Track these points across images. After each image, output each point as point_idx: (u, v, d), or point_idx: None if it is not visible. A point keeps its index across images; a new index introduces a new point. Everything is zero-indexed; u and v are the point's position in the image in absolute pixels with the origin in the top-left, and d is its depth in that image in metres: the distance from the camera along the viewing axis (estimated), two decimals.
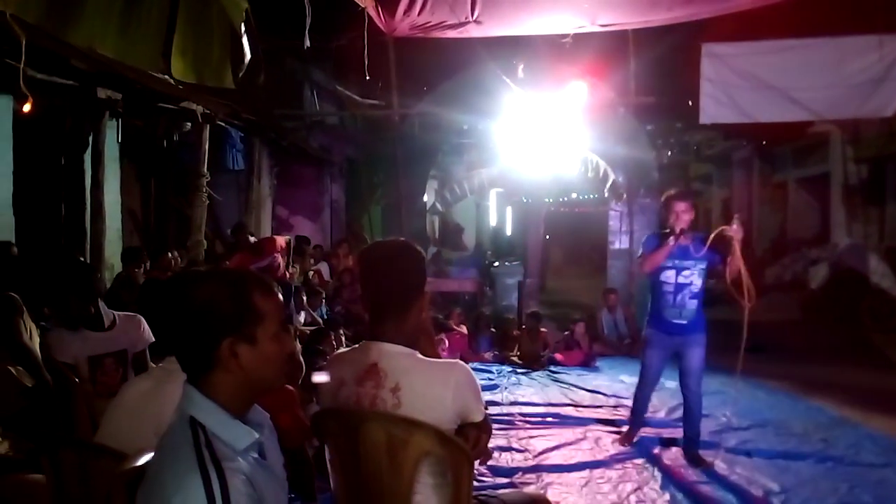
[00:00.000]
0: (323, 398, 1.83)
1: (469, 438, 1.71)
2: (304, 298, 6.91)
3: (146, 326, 3.10)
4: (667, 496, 3.77)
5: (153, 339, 3.04)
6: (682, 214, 4.22)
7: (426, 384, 1.71)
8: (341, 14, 6.53)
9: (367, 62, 6.09)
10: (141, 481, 1.27)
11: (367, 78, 6.28)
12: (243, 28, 2.59)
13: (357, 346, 1.87)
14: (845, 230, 13.48)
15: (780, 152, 17.45)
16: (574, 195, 18.42)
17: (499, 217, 22.07)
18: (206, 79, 2.67)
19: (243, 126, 8.40)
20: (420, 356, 1.78)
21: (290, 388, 3.02)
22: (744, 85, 7.33)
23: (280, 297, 1.37)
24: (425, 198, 11.25)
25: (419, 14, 5.33)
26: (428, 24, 5.48)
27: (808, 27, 7.41)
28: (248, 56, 2.70)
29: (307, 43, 5.15)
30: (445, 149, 11.02)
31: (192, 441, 1.23)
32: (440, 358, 1.84)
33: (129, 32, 2.44)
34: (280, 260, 7.10)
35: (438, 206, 9.36)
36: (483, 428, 1.77)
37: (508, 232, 20.97)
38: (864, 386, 6.71)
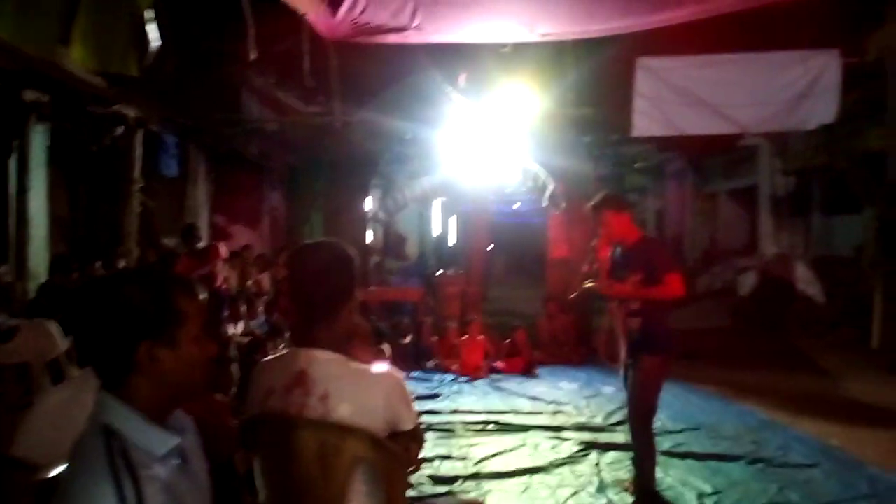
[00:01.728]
0: (250, 407, 1.76)
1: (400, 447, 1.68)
2: (243, 308, 6.76)
3: (57, 333, 2.95)
4: (603, 500, 3.82)
5: (67, 346, 2.89)
6: (600, 228, 3.97)
7: (356, 391, 1.67)
8: (281, 20, 6.45)
9: (307, 68, 6.01)
10: (53, 493, 1.20)
11: (308, 85, 6.20)
12: (151, 14, 2.49)
13: (285, 353, 1.81)
14: (773, 240, 14.05)
15: (712, 164, 18.10)
16: (517, 205, 18.67)
17: (442, 227, 22.15)
18: (109, 65, 2.55)
19: (178, 131, 8.17)
20: (351, 363, 1.73)
21: (220, 397, 2.93)
22: (675, 99, 7.57)
23: (204, 299, 1.32)
24: (367, 206, 11.18)
25: (358, 19, 5.30)
26: (368, 28, 5.45)
27: (739, 43, 7.71)
28: (155, 43, 2.59)
29: (253, 55, 5.07)
30: (388, 157, 10.98)
31: (105, 449, 1.17)
32: (374, 363, 1.79)
33: (28, 12, 2.30)
34: (220, 269, 6.94)
35: (381, 214, 9.30)
36: (414, 437, 1.74)
37: (452, 241, 21.07)
38: (791, 390, 6.99)
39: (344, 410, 1.63)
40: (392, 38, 5.69)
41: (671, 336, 3.76)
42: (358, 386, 1.67)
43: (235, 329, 6.37)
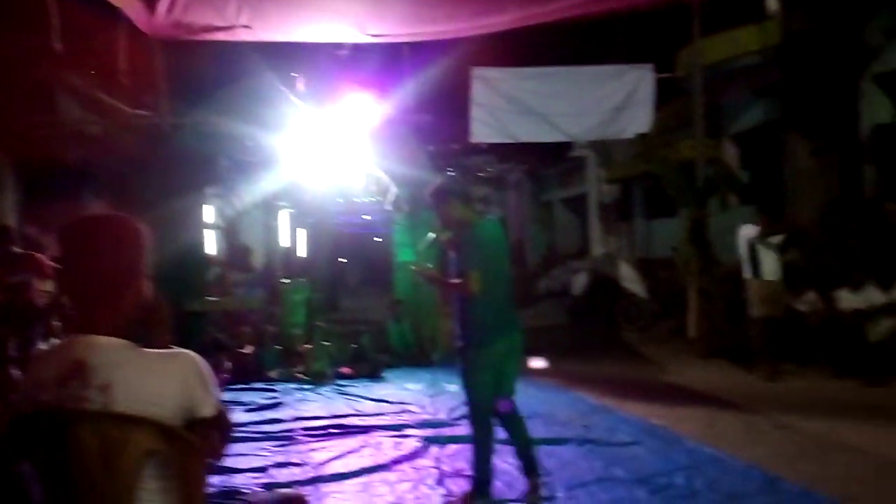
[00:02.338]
0: (20, 405, 1.55)
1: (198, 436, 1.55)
2: (56, 324, 6.13)
3: None
4: (442, 490, 3.86)
5: None
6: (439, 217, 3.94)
7: (143, 378, 1.51)
8: (97, 13, 5.99)
9: (124, 65, 5.62)
10: None
11: (125, 83, 5.79)
12: None
13: (62, 342, 1.62)
14: (601, 243, 15.13)
15: (547, 175, 19.25)
16: (367, 217, 18.62)
17: (291, 239, 21.55)
18: None
19: None
20: (136, 348, 1.57)
21: None
22: (508, 108, 7.96)
23: None
24: (206, 216, 10.61)
25: (181, 15, 5.04)
26: (193, 26, 5.20)
27: (565, 56, 8.28)
28: None
29: (58, 46, 4.64)
30: (227, 164, 10.51)
31: None
32: (173, 349, 1.64)
33: None
34: (36, 282, 6.26)
35: (219, 221, 8.86)
36: (214, 424, 1.60)
37: (302, 254, 20.56)
38: (619, 377, 7.52)
39: (128, 400, 1.49)
40: (220, 36, 5.48)
41: (483, 329, 3.67)
42: (145, 372, 1.52)
43: (47, 345, 5.76)
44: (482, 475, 3.75)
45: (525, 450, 3.84)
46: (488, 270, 3.68)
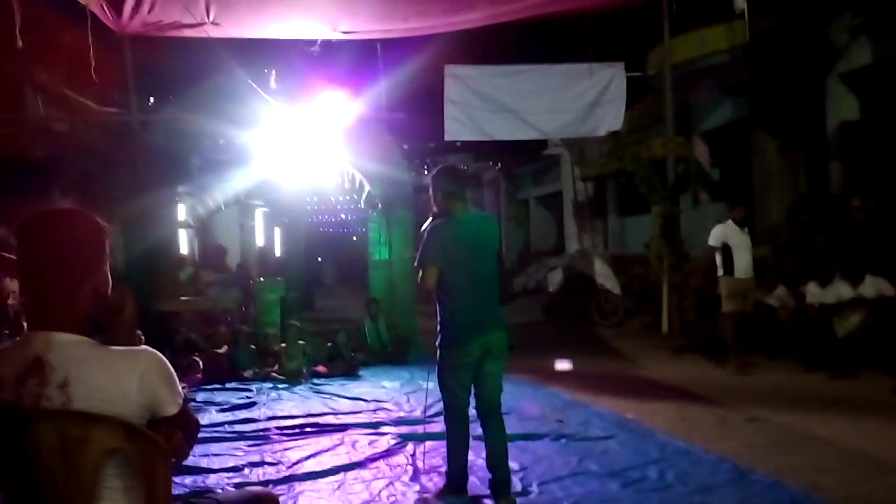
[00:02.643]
0: None
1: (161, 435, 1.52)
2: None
3: None
4: (417, 486, 3.86)
5: None
6: None
7: (104, 376, 1.49)
8: (64, 10, 5.87)
9: (93, 63, 5.54)
10: None
11: (97, 79, 5.70)
12: None
13: (20, 338, 1.58)
14: (576, 241, 15.24)
15: (522, 173, 19.34)
16: (343, 216, 18.52)
17: (266, 238, 21.39)
18: None
19: None
20: (97, 344, 1.55)
21: None
22: (483, 106, 7.97)
23: None
24: (178, 215, 10.48)
25: (149, 12, 4.97)
26: (161, 23, 5.13)
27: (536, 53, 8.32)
28: None
29: (19, 43, 4.56)
30: (199, 164, 10.39)
31: None
32: (137, 346, 1.61)
33: None
34: (7, 282, 6.13)
35: (191, 221, 8.76)
36: (178, 422, 1.59)
37: (277, 253, 20.41)
38: (593, 372, 7.57)
39: (88, 398, 1.46)
40: (188, 33, 5.41)
41: (455, 328, 3.61)
42: (105, 369, 1.49)
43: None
44: (455, 471, 3.74)
45: (497, 458, 3.66)
46: (461, 268, 3.60)
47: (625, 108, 8.68)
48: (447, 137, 8.30)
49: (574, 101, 8.33)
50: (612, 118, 8.57)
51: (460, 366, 3.62)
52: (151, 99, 8.70)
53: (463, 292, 3.61)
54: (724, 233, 7.40)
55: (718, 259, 7.47)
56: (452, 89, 8.06)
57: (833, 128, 10.46)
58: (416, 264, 3.70)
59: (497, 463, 3.67)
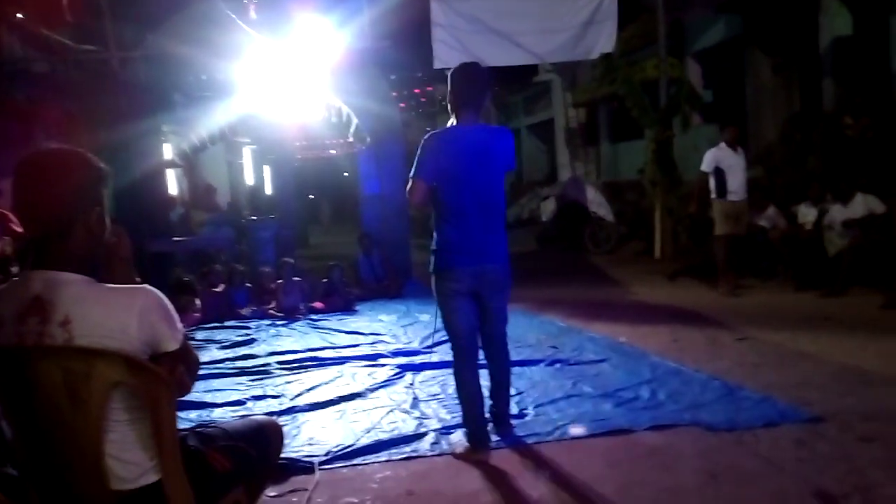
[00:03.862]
0: None
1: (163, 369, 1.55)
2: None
3: None
4: (416, 413, 3.96)
5: None
6: None
7: (103, 313, 1.51)
8: None
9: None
10: None
11: (70, 19, 5.49)
12: None
13: (16, 279, 1.59)
14: (569, 169, 15.14)
15: (513, 101, 19.00)
16: (332, 152, 18.22)
17: (256, 176, 21.20)
18: None
19: None
20: (96, 283, 1.56)
21: None
22: (471, 29, 7.74)
23: None
24: (164, 154, 10.34)
25: None
26: None
27: None
28: None
29: None
30: (181, 99, 10.18)
31: None
32: (134, 285, 1.62)
33: None
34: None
35: (177, 159, 8.65)
36: (179, 357, 1.62)
37: (268, 191, 20.28)
38: (587, 299, 7.68)
39: (90, 334, 1.48)
40: None
41: (444, 251, 3.27)
42: (105, 307, 1.51)
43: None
44: (470, 425, 3.36)
45: (498, 388, 3.50)
46: (457, 186, 3.18)
47: (617, 26, 8.44)
48: (436, 65, 8.08)
49: (566, 21, 8.09)
50: (605, 39, 8.34)
51: (450, 293, 3.27)
52: (129, 32, 8.41)
53: (457, 214, 3.20)
54: (716, 156, 7.36)
55: (712, 182, 7.46)
56: (438, 12, 7.82)
57: (826, 44, 10.27)
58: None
59: (497, 394, 3.53)
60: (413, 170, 3.22)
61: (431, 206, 3.31)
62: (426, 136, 3.25)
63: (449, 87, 3.28)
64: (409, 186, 3.25)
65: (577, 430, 3.55)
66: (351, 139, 8.30)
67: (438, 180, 3.21)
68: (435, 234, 3.32)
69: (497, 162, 3.26)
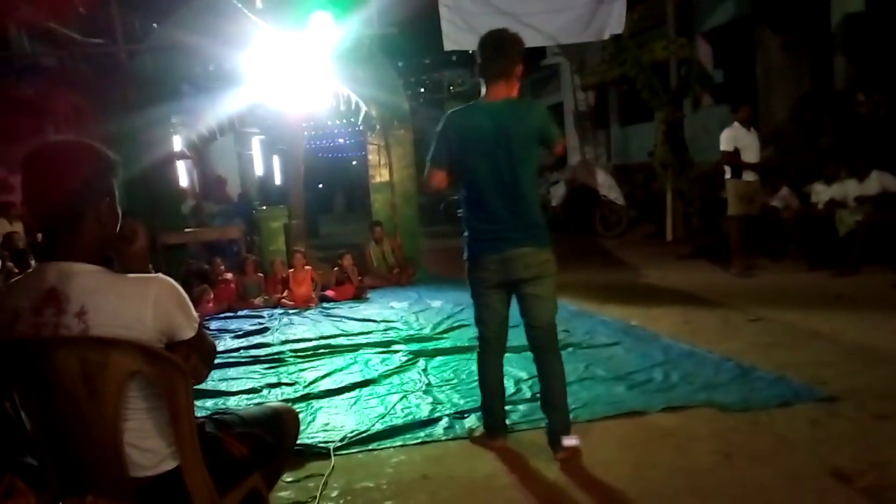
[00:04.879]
0: None
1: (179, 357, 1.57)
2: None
3: None
4: (429, 399, 3.98)
5: None
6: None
7: (119, 303, 1.52)
8: None
9: None
10: None
11: (81, 11, 5.51)
12: None
13: (31, 271, 1.61)
14: (578, 152, 15.05)
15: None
16: (341, 141, 18.23)
17: (265, 167, 21.27)
18: None
19: None
20: (110, 273, 1.57)
21: None
22: (479, 10, 7.65)
23: None
24: (174, 146, 10.38)
25: None
26: None
27: None
28: None
29: None
30: (190, 91, 10.20)
31: None
32: (149, 274, 1.64)
33: None
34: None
35: (186, 151, 8.67)
36: (195, 346, 1.63)
37: (277, 181, 20.34)
38: (598, 283, 7.65)
39: (106, 324, 1.49)
40: None
41: (472, 240, 3.09)
42: (120, 296, 1.52)
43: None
44: (487, 417, 3.29)
45: (554, 397, 3.11)
46: (478, 166, 2.95)
47: (626, 5, 8.32)
48: (447, 46, 7.99)
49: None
50: (615, 18, 8.21)
51: (478, 283, 3.08)
52: (137, 25, 8.43)
53: (479, 197, 2.97)
54: (733, 135, 7.27)
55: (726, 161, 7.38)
56: None
57: (837, 21, 10.11)
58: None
59: (553, 404, 3.11)
60: (429, 155, 3.04)
61: (454, 189, 3.12)
62: (443, 117, 3.06)
63: (478, 58, 3.03)
64: (425, 173, 3.08)
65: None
66: (360, 127, 8.28)
67: (455, 163, 3.00)
68: (466, 224, 3.12)
69: (522, 137, 2.94)
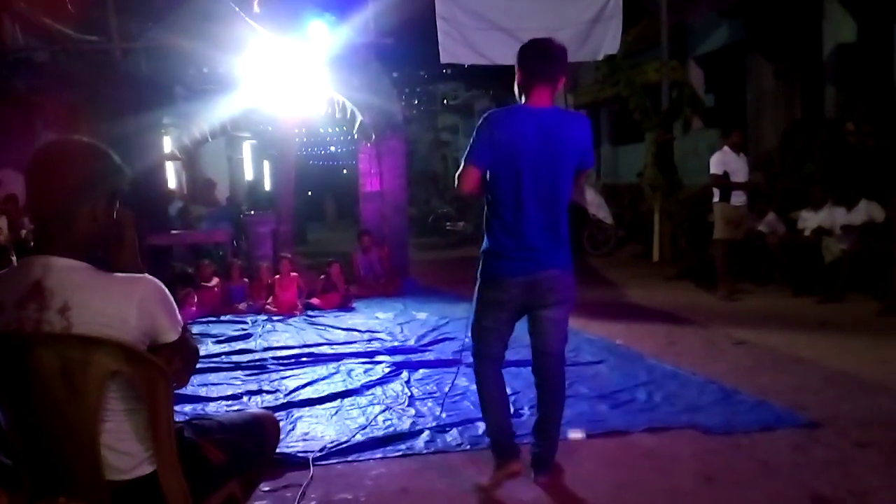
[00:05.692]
0: None
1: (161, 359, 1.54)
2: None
3: None
4: (411, 411, 3.95)
5: None
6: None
7: (103, 301, 1.50)
8: None
9: None
10: None
11: (75, 7, 5.48)
12: None
13: (19, 263, 1.59)
14: None
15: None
16: (333, 149, 18.21)
17: (255, 172, 21.22)
18: None
19: None
20: (96, 270, 1.55)
21: None
22: (475, 26, 7.70)
23: None
24: (164, 148, 10.32)
25: None
26: None
27: None
28: None
29: None
30: (183, 93, 10.16)
31: None
32: (138, 274, 1.61)
33: None
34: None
35: (177, 152, 8.62)
36: (178, 349, 1.61)
37: (267, 187, 20.30)
38: (584, 301, 7.57)
39: (88, 322, 1.47)
40: None
41: (489, 254, 2.84)
42: (105, 294, 1.50)
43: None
44: (496, 439, 2.98)
45: (545, 426, 2.98)
46: (513, 175, 2.70)
47: (621, 27, 8.41)
48: (444, 59, 8.03)
49: (571, 17, 8.02)
50: (610, 38, 8.30)
51: (492, 303, 2.84)
52: (132, 24, 8.39)
53: (512, 209, 2.72)
54: (723, 159, 7.33)
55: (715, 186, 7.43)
56: (443, 7, 7.80)
57: (829, 50, 10.27)
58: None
59: (546, 432, 2.99)
60: (465, 153, 2.76)
61: (483, 197, 2.86)
62: (485, 115, 2.79)
63: (517, 66, 2.79)
64: (458, 172, 2.78)
65: (575, 434, 3.49)
66: (355, 136, 8.27)
67: (493, 166, 2.73)
68: (485, 235, 2.86)
69: (567, 151, 2.74)
